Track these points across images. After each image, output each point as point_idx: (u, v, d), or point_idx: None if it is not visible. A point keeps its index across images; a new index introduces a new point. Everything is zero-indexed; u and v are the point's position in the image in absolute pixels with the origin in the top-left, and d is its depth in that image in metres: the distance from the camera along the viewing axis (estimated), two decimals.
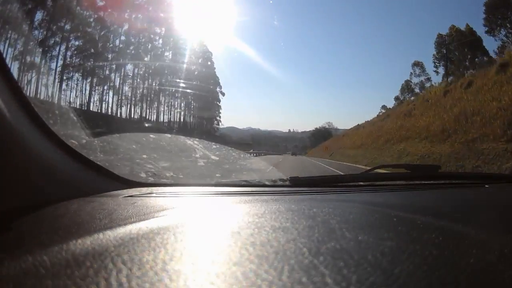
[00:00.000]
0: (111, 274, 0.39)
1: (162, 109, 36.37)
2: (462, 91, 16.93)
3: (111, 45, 29.88)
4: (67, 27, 25.77)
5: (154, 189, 1.16)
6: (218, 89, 42.97)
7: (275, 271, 0.39)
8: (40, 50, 23.81)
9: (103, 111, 29.58)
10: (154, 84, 34.75)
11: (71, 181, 0.93)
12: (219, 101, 44.63)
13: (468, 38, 28.81)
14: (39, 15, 23.39)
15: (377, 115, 36.28)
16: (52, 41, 25.19)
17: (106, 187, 1.04)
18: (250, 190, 1.17)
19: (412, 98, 30.29)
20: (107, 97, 30.39)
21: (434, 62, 33.71)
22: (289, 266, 0.40)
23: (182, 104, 39.43)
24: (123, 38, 30.43)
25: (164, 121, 36.07)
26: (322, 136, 67.59)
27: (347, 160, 21.47)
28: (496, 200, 1.11)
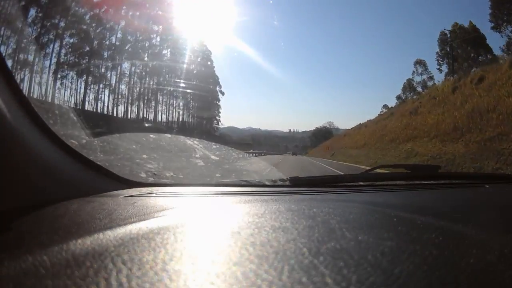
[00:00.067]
0: (111, 274, 0.39)
1: (160, 108, 36.26)
2: (472, 87, 15.84)
3: (107, 42, 29.58)
4: (62, 24, 25.38)
5: (154, 189, 1.16)
6: (217, 89, 42.91)
7: (275, 271, 0.39)
8: (35, 47, 23.37)
9: (101, 111, 29.50)
10: (151, 84, 34.56)
11: (71, 181, 0.93)
12: (219, 100, 44.53)
13: (472, 35, 28.53)
14: (32, 12, 23.03)
15: (379, 114, 36.10)
16: (46, 38, 24.83)
17: (106, 187, 1.04)
18: (250, 190, 1.17)
19: (415, 96, 29.92)
20: (103, 96, 30.21)
21: (437, 60, 33.55)
22: (289, 266, 0.40)
23: (181, 104, 39.30)
24: (119, 35, 30.16)
25: (163, 121, 35.92)
26: (322, 136, 67.55)
27: (349, 160, 20.62)
28: (496, 200, 1.11)
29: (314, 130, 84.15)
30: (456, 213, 0.81)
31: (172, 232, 0.54)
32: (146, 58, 33.18)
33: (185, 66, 34.31)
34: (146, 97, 34.24)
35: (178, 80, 34.96)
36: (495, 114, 11.29)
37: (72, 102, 27.20)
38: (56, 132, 0.89)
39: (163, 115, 36.70)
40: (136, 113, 32.50)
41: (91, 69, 29.02)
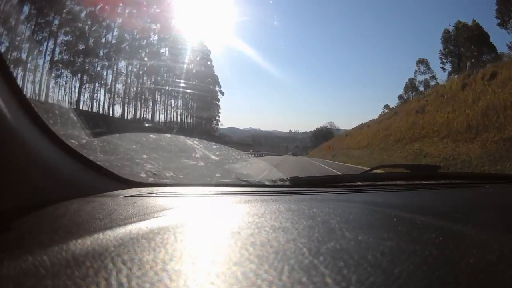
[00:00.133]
0: (111, 274, 0.39)
1: (158, 108, 36.12)
2: (484, 83, 15.04)
3: (103, 40, 29.35)
4: (57, 21, 25.05)
5: (154, 189, 1.16)
6: (217, 88, 42.79)
7: (275, 271, 0.39)
8: (28, 45, 22.99)
9: (102, 112, 29.43)
10: (149, 83, 34.42)
11: (71, 181, 0.93)
12: (218, 100, 44.39)
13: (476, 33, 28.24)
14: (26, 9, 22.76)
15: (380, 115, 35.84)
16: (41, 36, 24.56)
17: (106, 187, 1.05)
18: (250, 190, 1.18)
19: (417, 96, 29.65)
20: (100, 95, 30.13)
21: (441, 58, 33.30)
22: (289, 266, 0.40)
23: (180, 104, 39.17)
24: (115, 33, 29.93)
25: (161, 121, 35.84)
26: (323, 137, 67.37)
27: (352, 161, 19.50)
28: (496, 200, 1.11)
29: (314, 130, 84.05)
30: (456, 213, 0.81)
31: (172, 232, 0.54)
32: (144, 58, 33.03)
33: (184, 65, 34.22)
34: (143, 97, 34.16)
35: (177, 80, 34.86)
36: None
37: (68, 101, 27.15)
38: (56, 132, 0.89)
39: (161, 115, 36.64)
40: (133, 113, 32.47)
41: (90, 69, 28.90)
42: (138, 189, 1.13)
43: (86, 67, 28.56)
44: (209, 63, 39.75)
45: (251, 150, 33.64)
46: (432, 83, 33.04)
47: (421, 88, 34.82)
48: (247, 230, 0.56)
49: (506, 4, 25.92)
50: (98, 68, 29.92)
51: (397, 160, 15.41)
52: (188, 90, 36.73)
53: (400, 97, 38.06)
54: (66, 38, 26.72)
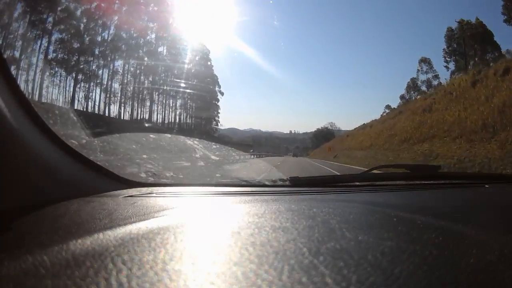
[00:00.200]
0: (111, 274, 0.39)
1: (156, 108, 35.95)
2: (497, 79, 14.05)
3: (100, 39, 29.15)
4: (51, 19, 24.65)
5: (154, 189, 1.16)
6: (216, 89, 42.59)
7: (275, 271, 0.39)
8: (21, 43, 22.63)
9: (101, 111, 29.39)
10: (147, 83, 34.23)
11: (71, 181, 0.93)
12: (218, 100, 44.09)
13: (479, 30, 27.87)
14: (19, 7, 22.30)
15: (381, 115, 35.32)
16: (35, 34, 24.19)
17: (106, 187, 1.05)
18: (250, 190, 1.18)
19: (421, 95, 29.41)
20: (99, 95, 29.96)
21: (444, 57, 32.92)
22: (289, 266, 0.40)
23: (179, 104, 39.01)
24: (112, 31, 29.68)
25: (159, 121, 35.67)
26: (324, 137, 67.10)
27: (355, 162, 17.90)
28: (496, 200, 1.11)
29: (315, 131, 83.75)
30: (456, 213, 0.81)
31: (172, 232, 0.54)
32: (142, 57, 32.84)
33: (183, 65, 34.01)
34: (141, 97, 34.03)
35: (176, 80, 34.62)
36: None
37: (63, 101, 27.01)
38: (56, 132, 0.90)
39: (159, 115, 36.47)
40: (132, 113, 32.35)
41: (86, 69, 28.70)
42: (138, 189, 1.13)
43: (82, 66, 28.31)
44: (208, 63, 39.67)
45: (251, 151, 33.62)
46: (435, 82, 32.91)
47: (423, 88, 34.70)
48: (247, 230, 0.56)
49: None
50: (94, 67, 29.78)
51: (404, 161, 13.97)
52: (187, 90, 36.53)
53: (402, 97, 37.81)
54: (61, 36, 26.45)
